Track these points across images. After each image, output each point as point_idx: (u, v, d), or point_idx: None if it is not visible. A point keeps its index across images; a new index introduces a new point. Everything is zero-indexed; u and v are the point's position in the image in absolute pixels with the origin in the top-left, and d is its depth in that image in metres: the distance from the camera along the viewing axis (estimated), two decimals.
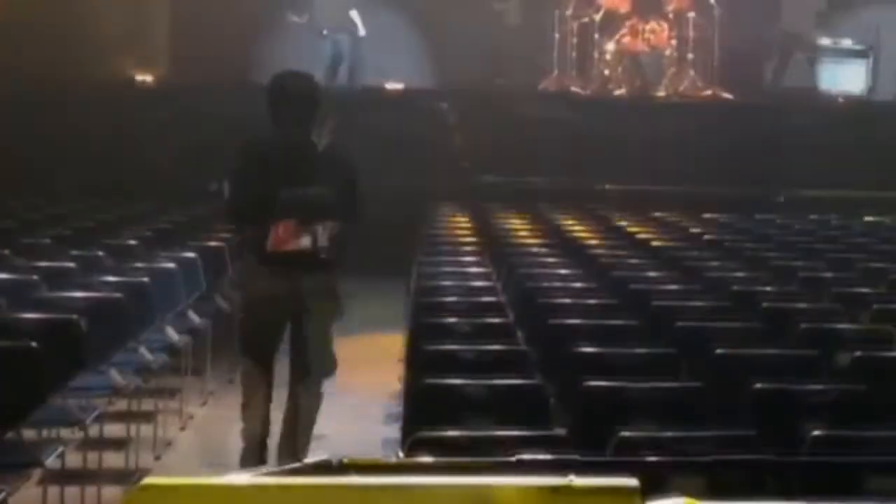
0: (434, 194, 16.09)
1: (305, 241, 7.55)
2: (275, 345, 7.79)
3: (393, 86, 18.60)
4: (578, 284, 9.40)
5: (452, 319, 7.71)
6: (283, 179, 7.53)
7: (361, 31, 18.97)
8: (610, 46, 19.64)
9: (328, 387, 9.68)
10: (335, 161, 7.70)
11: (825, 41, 19.65)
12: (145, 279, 9.32)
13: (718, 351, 6.70)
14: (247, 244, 7.94)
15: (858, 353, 6.75)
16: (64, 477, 6.78)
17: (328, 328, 7.77)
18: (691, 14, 19.67)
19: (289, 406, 7.77)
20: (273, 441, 7.74)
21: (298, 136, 7.63)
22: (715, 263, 10.82)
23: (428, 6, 20.20)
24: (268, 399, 7.72)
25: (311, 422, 7.73)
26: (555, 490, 2.74)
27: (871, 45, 19.39)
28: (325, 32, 19.09)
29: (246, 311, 7.88)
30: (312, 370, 7.69)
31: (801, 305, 8.59)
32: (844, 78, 19.40)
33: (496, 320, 7.85)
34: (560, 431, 5.52)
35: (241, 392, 7.80)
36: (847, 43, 19.61)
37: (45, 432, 7.43)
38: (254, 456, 7.54)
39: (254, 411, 7.65)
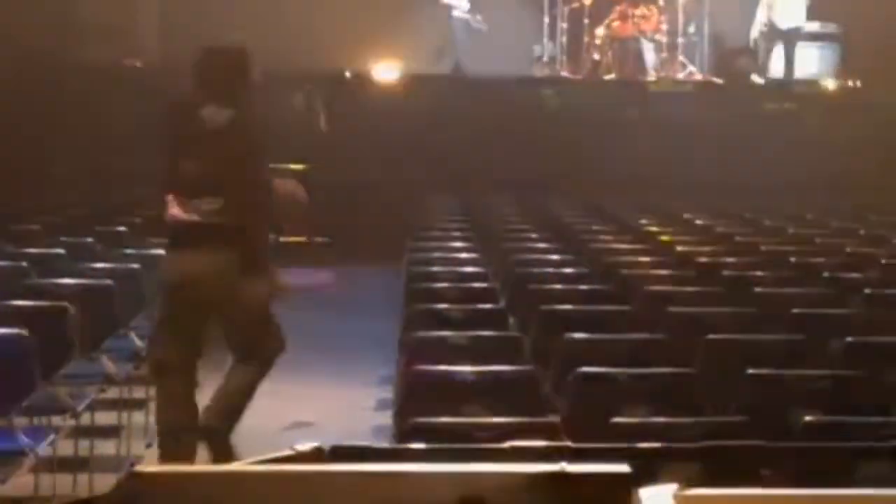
0: (427, 182, 16.07)
1: (194, 214, 7.14)
2: (195, 332, 7.26)
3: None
4: (570, 270, 9.40)
5: (444, 306, 7.70)
6: (189, 151, 7.25)
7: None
8: (600, 31, 19.62)
9: (320, 375, 9.68)
10: (243, 135, 7.29)
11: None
12: (136, 266, 9.31)
13: (710, 337, 6.70)
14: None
15: (850, 339, 6.75)
16: (55, 465, 6.76)
17: (262, 307, 7.29)
18: None
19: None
20: None
21: (214, 108, 7.31)
22: (707, 248, 10.83)
23: None
24: (187, 387, 7.24)
25: (236, 394, 7.18)
26: (547, 477, 2.73)
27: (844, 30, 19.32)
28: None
29: (160, 300, 7.44)
30: (250, 354, 7.25)
31: (794, 291, 8.60)
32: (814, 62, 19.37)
33: (488, 306, 7.84)
34: (552, 418, 5.51)
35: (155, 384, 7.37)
36: (817, 27, 19.53)
37: (36, 420, 7.41)
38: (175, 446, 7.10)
39: (167, 400, 7.24)
